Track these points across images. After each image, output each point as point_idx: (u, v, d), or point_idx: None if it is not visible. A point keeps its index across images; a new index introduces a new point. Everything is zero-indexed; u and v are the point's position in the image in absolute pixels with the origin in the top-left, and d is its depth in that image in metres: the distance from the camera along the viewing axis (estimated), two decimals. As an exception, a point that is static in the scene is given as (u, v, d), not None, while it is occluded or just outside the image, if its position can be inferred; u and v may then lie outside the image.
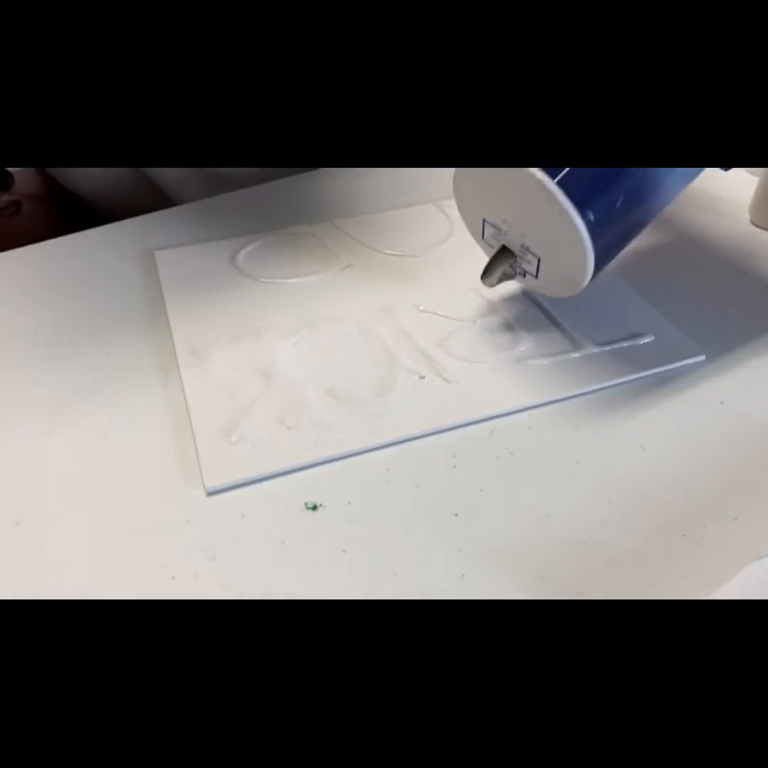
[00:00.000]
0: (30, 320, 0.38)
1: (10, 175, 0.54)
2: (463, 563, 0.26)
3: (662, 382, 0.35)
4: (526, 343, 0.36)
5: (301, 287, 0.40)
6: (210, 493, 0.28)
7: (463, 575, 0.26)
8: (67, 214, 0.55)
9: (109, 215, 0.48)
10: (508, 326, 0.37)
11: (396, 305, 0.39)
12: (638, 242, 0.45)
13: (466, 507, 0.28)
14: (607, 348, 0.36)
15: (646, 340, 0.36)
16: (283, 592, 0.25)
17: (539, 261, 0.34)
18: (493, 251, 0.35)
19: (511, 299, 0.39)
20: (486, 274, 0.36)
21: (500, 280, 0.36)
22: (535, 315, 0.38)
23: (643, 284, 0.40)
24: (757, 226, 0.46)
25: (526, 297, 0.39)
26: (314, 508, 0.28)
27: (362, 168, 0.53)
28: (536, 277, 0.35)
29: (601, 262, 0.32)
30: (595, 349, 0.36)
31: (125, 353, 0.36)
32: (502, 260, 0.35)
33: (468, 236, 0.45)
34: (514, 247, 0.34)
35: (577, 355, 0.35)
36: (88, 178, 0.57)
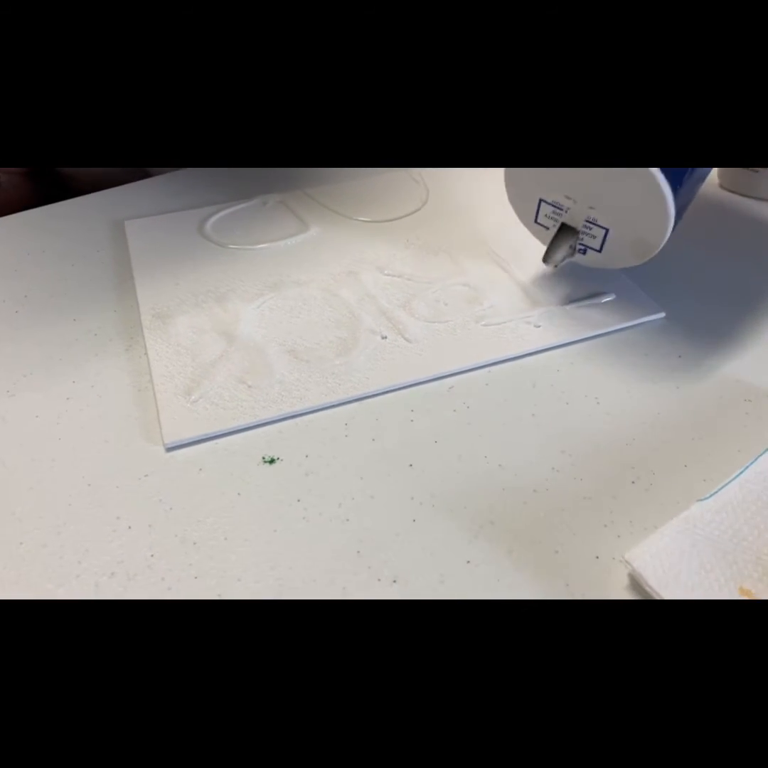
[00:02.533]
0: (-1, 290, 0.38)
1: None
2: (414, 509, 0.27)
3: (622, 339, 0.35)
4: (488, 303, 0.36)
5: (267, 253, 0.40)
6: (169, 449, 0.29)
7: (414, 520, 0.26)
8: (47, 188, 0.55)
9: (89, 189, 0.48)
10: (472, 288, 0.38)
11: (362, 269, 0.39)
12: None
13: (420, 458, 0.29)
14: (568, 306, 0.36)
15: (607, 298, 0.37)
16: (236, 537, 0.26)
17: (606, 233, 0.33)
18: (551, 232, 0.35)
19: (476, 262, 0.40)
20: (549, 255, 0.35)
21: (563, 260, 0.35)
22: (499, 276, 0.38)
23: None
24: (724, 188, 0.46)
25: (491, 259, 0.40)
26: (271, 461, 0.29)
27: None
28: (599, 250, 0.34)
29: (675, 223, 0.32)
30: (556, 308, 0.36)
31: (92, 319, 0.36)
32: (565, 239, 0.34)
33: (440, 203, 0.45)
34: (577, 222, 0.34)
35: (537, 313, 0.36)
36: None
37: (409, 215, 0.44)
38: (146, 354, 0.33)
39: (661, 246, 0.33)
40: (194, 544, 0.26)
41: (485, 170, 0.47)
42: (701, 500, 0.25)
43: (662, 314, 0.36)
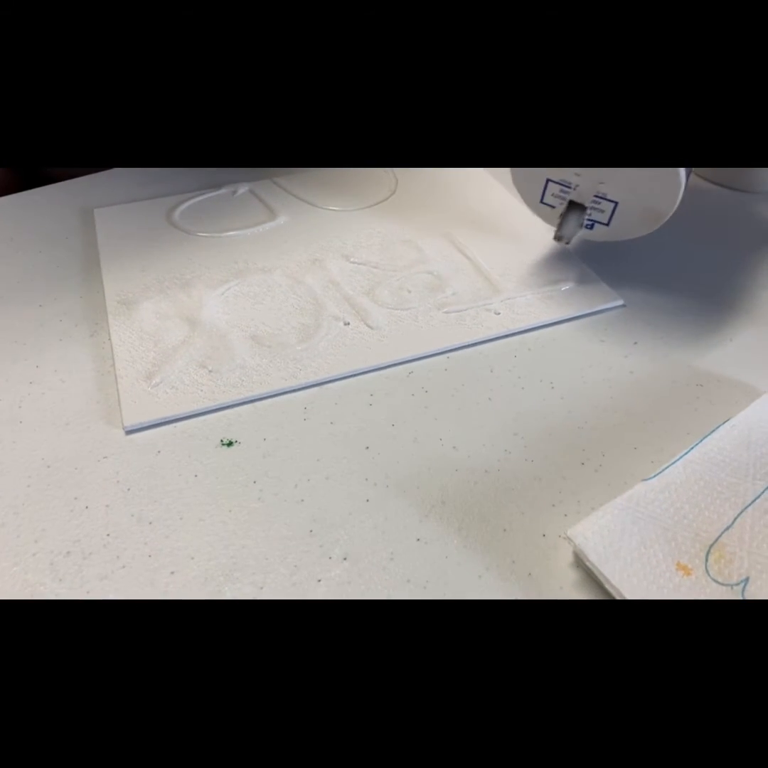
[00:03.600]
0: (-34, 276, 0.38)
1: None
2: (368, 490, 0.27)
3: (581, 326, 0.36)
4: (451, 291, 0.37)
5: (235, 241, 0.41)
6: (129, 432, 0.29)
7: (367, 500, 0.27)
8: (17, 176, 0.55)
9: (59, 177, 0.48)
10: (435, 275, 0.38)
11: (328, 257, 0.39)
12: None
13: (376, 440, 0.29)
14: (528, 294, 0.37)
15: (567, 286, 0.37)
16: (192, 517, 0.26)
17: (615, 206, 0.34)
18: (557, 210, 0.36)
19: (440, 250, 0.40)
20: (561, 232, 0.36)
21: (574, 235, 0.36)
22: (462, 264, 0.39)
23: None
24: (695, 175, 0.47)
25: (456, 248, 0.40)
26: (229, 444, 0.29)
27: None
28: (607, 224, 0.35)
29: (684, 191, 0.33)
30: (517, 296, 0.37)
31: (58, 305, 0.36)
32: (574, 215, 0.35)
33: (409, 193, 0.45)
34: (585, 198, 0.35)
35: (498, 301, 0.36)
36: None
37: (377, 204, 0.45)
38: (110, 339, 0.34)
39: (671, 213, 0.33)
40: (150, 523, 0.26)
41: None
42: (645, 480, 0.26)
43: (620, 302, 0.37)
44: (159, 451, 0.29)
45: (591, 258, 0.39)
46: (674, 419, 0.31)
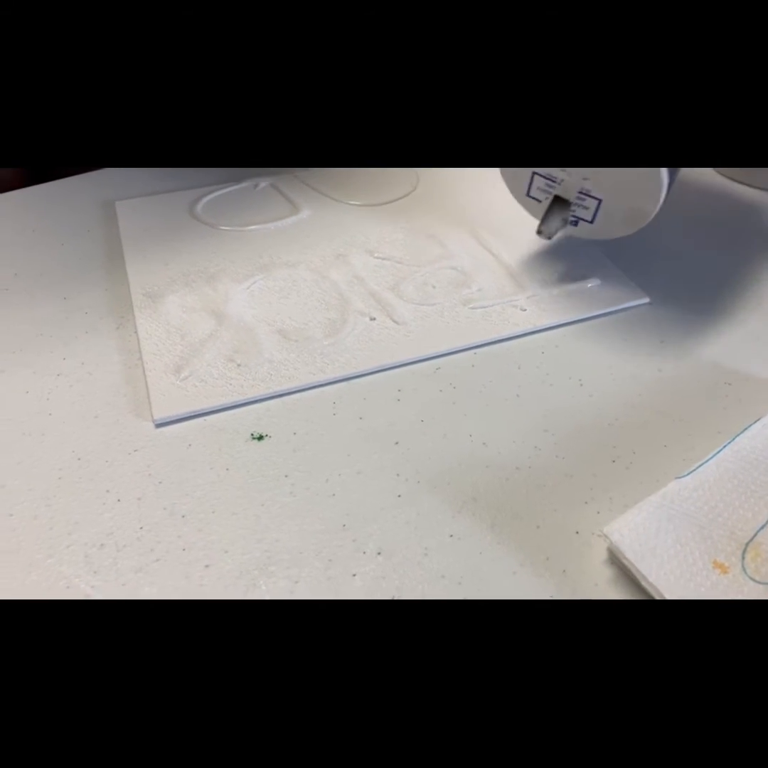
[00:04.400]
0: (-11, 268, 0.38)
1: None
2: (400, 486, 0.27)
3: (607, 323, 0.36)
4: (476, 287, 0.37)
5: (258, 235, 0.41)
6: (158, 425, 0.29)
7: (399, 496, 0.27)
8: (36, 169, 0.55)
9: (80, 169, 0.48)
10: (460, 271, 0.38)
11: (351, 252, 0.39)
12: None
13: (406, 436, 0.29)
14: (554, 291, 0.37)
15: (593, 284, 0.37)
16: (224, 511, 0.26)
17: (599, 203, 0.34)
18: (543, 205, 0.36)
19: (464, 246, 0.40)
20: (544, 226, 0.36)
21: (556, 232, 0.36)
22: (487, 260, 0.39)
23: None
24: (724, 175, 0.47)
25: (480, 243, 0.40)
26: (260, 438, 0.29)
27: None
28: (591, 221, 0.35)
29: (668, 189, 0.33)
30: (543, 292, 0.36)
31: (82, 298, 0.36)
32: (558, 210, 0.35)
33: (430, 188, 0.45)
34: (570, 194, 0.35)
35: (524, 297, 0.36)
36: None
37: (399, 199, 0.44)
38: (136, 332, 0.34)
39: (655, 213, 0.33)
40: (183, 516, 0.26)
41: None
42: (679, 477, 0.26)
43: (647, 300, 0.37)
44: (189, 445, 0.29)
45: (616, 255, 0.39)
46: (704, 417, 0.30)
